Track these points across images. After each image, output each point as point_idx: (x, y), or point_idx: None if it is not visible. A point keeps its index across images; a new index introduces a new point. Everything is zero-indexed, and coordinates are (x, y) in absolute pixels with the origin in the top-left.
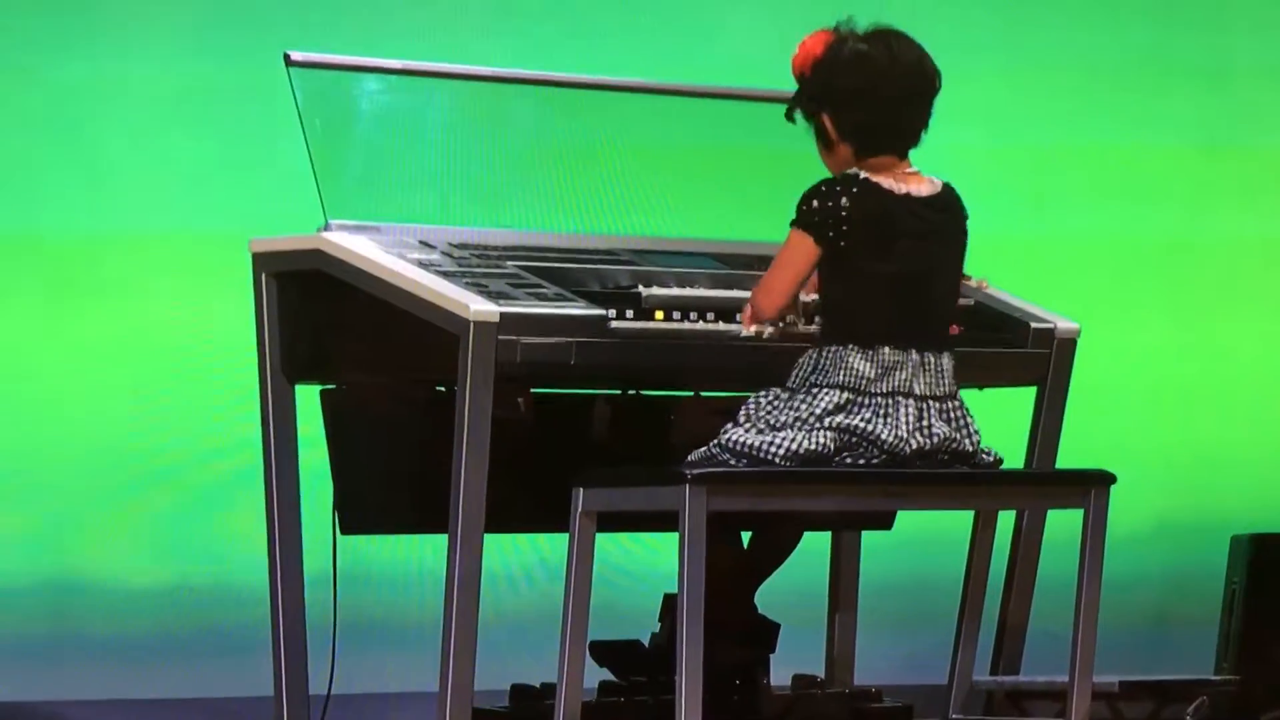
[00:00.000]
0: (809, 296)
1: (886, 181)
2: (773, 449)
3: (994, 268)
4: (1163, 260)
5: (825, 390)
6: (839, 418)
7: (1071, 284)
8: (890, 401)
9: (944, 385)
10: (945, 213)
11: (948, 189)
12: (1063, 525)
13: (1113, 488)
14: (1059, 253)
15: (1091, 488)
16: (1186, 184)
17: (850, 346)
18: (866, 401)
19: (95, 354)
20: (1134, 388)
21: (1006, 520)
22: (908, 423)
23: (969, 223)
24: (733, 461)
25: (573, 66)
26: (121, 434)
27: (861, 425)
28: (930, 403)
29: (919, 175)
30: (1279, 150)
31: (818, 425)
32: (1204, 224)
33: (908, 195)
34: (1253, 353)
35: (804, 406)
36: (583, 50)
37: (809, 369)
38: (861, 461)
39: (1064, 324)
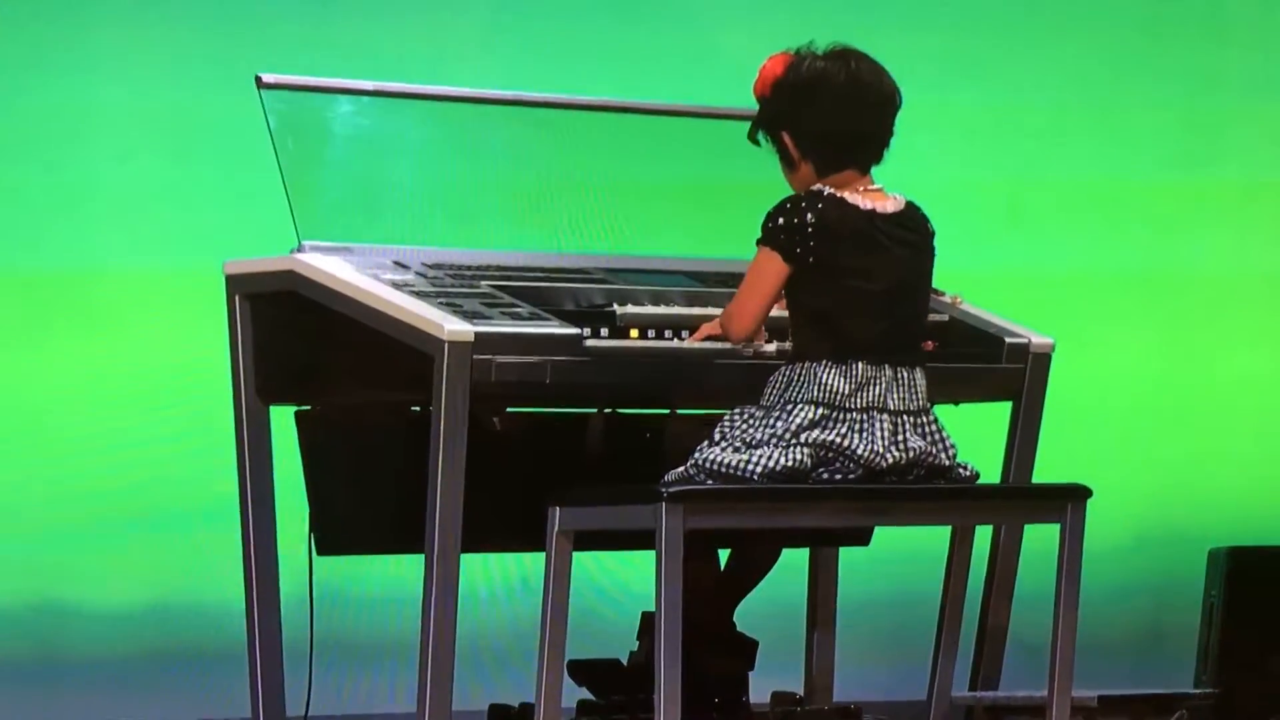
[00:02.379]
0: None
1: (852, 197)
2: (750, 467)
3: (971, 289)
4: (1138, 279)
5: (800, 406)
6: (814, 433)
7: (1048, 302)
8: (865, 416)
9: (918, 400)
10: (911, 229)
11: (911, 206)
12: (1041, 537)
13: (1089, 502)
14: (1036, 272)
15: (1068, 502)
16: (1164, 206)
17: (824, 362)
18: (842, 417)
19: (72, 377)
20: (1110, 403)
21: (984, 535)
22: (883, 437)
23: (935, 240)
24: (709, 481)
25: (557, 89)
26: (98, 457)
27: (837, 440)
28: (905, 417)
29: (883, 192)
30: (1256, 173)
31: (794, 441)
32: (1181, 244)
33: (873, 211)
34: (1228, 368)
35: (779, 423)
36: (566, 73)
37: (783, 385)
38: (838, 477)
39: (1038, 339)
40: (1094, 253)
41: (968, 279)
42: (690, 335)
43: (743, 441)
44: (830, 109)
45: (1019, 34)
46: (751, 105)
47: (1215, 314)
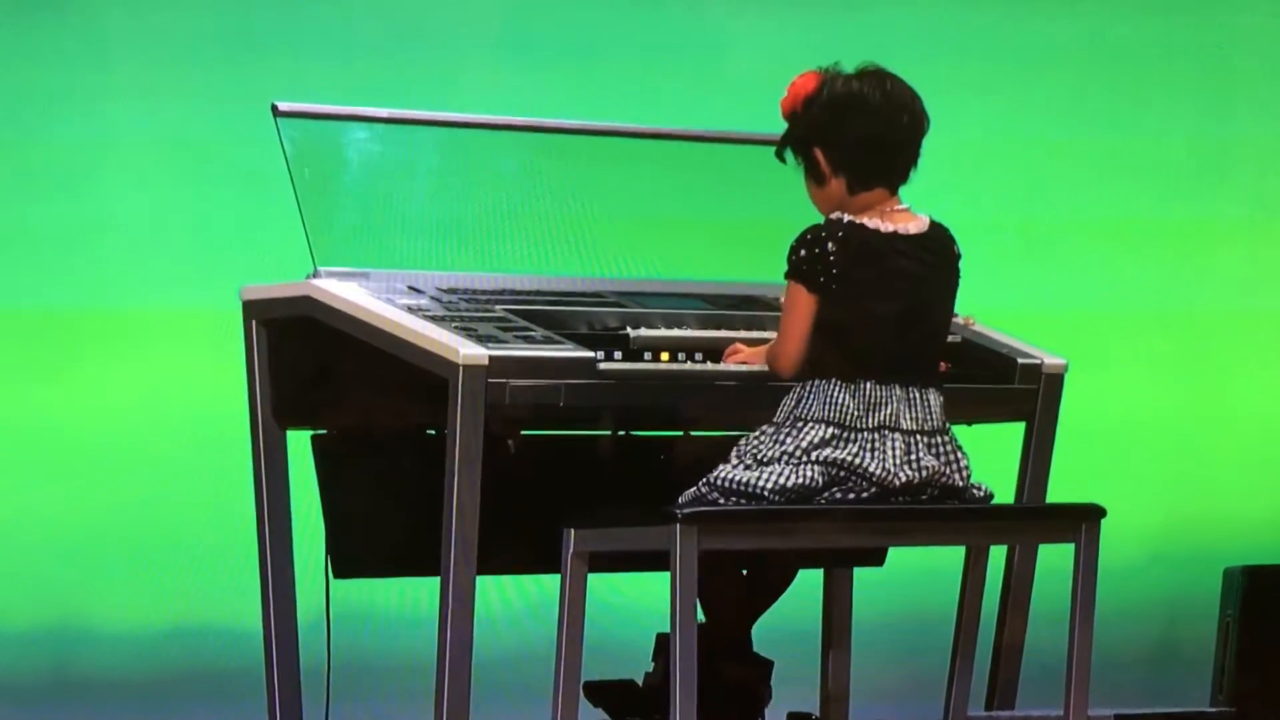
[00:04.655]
0: None
1: (873, 221)
2: (761, 483)
3: (983, 314)
4: (1151, 301)
5: (811, 424)
6: (826, 451)
7: (1060, 322)
8: (878, 436)
9: (932, 420)
10: (934, 251)
11: (936, 227)
12: (1056, 555)
13: (1104, 521)
14: (1048, 296)
15: (1082, 522)
16: (1174, 231)
17: (834, 380)
18: (853, 436)
19: (89, 402)
20: (1123, 422)
21: (999, 553)
22: (895, 456)
23: (961, 262)
24: (722, 500)
25: (569, 114)
26: (115, 480)
27: (849, 459)
28: (918, 437)
29: (909, 212)
30: (1266, 198)
31: (805, 459)
32: (1193, 268)
33: (895, 233)
34: (1243, 386)
35: (790, 441)
36: (577, 97)
37: (794, 403)
38: (851, 495)
39: (1051, 360)
40: (1106, 276)
41: (979, 303)
42: (703, 357)
43: (754, 459)
44: (867, 124)
45: (1027, 62)
46: (762, 128)
47: (1230, 333)
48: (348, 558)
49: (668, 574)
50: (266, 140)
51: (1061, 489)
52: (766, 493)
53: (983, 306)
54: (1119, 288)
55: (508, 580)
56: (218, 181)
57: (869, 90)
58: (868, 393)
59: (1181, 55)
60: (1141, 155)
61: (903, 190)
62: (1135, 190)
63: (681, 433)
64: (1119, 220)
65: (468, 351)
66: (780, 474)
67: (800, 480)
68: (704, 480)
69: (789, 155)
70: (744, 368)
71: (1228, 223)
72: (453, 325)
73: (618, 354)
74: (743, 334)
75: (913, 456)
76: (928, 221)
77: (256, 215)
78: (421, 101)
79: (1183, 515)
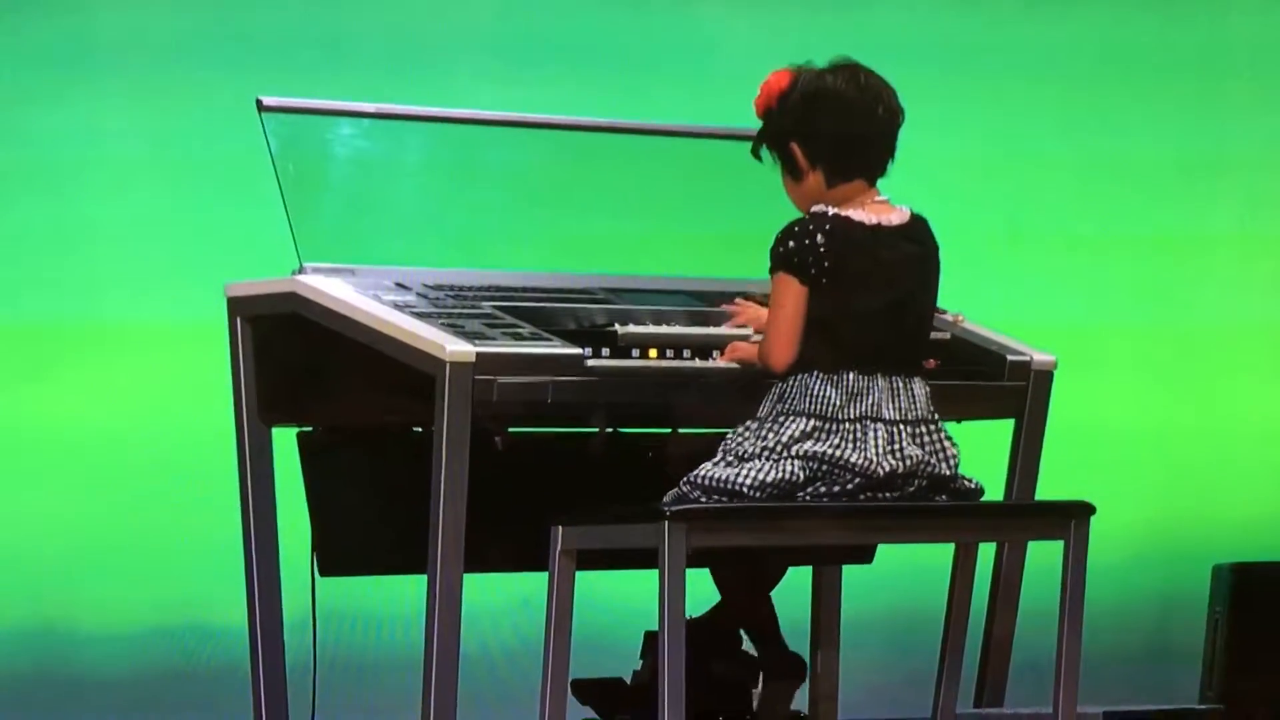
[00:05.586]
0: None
1: (857, 214)
2: (740, 480)
3: (972, 310)
4: (1141, 305)
5: (792, 418)
6: (806, 445)
7: (1049, 318)
8: (859, 426)
9: (917, 410)
10: (917, 242)
11: (917, 218)
12: (1045, 551)
13: (1093, 518)
14: (1036, 290)
15: (1071, 519)
16: (1168, 233)
17: (815, 373)
18: (835, 428)
19: (75, 398)
20: (1113, 419)
21: (988, 550)
22: (877, 446)
23: (941, 254)
24: (703, 498)
25: (558, 109)
26: (100, 478)
27: (830, 452)
28: (902, 427)
29: (889, 204)
30: (1264, 199)
31: (785, 454)
32: (1184, 269)
33: (878, 225)
34: (1233, 384)
35: (771, 435)
36: (567, 92)
37: (775, 398)
38: (836, 488)
39: (1040, 356)
40: (1096, 283)
41: (968, 310)
42: (691, 354)
43: (735, 455)
44: (842, 115)
45: (1017, 69)
46: (751, 124)
47: (1220, 337)
48: (334, 555)
49: (656, 571)
50: (252, 136)
51: (1051, 486)
52: (746, 489)
53: (972, 312)
54: (1109, 295)
55: (495, 577)
56: (203, 177)
57: (843, 83)
58: (850, 383)
59: (1172, 62)
60: (1132, 162)
61: (890, 192)
62: (1125, 197)
63: (670, 430)
64: (1109, 228)
65: (454, 348)
66: (760, 470)
67: (780, 475)
68: (685, 479)
69: (764, 153)
70: (732, 364)
71: (1218, 230)
72: (439, 322)
73: (605, 351)
74: (738, 330)
75: (896, 446)
76: (908, 213)
77: (242, 211)
78: (411, 101)
79: (1172, 512)
